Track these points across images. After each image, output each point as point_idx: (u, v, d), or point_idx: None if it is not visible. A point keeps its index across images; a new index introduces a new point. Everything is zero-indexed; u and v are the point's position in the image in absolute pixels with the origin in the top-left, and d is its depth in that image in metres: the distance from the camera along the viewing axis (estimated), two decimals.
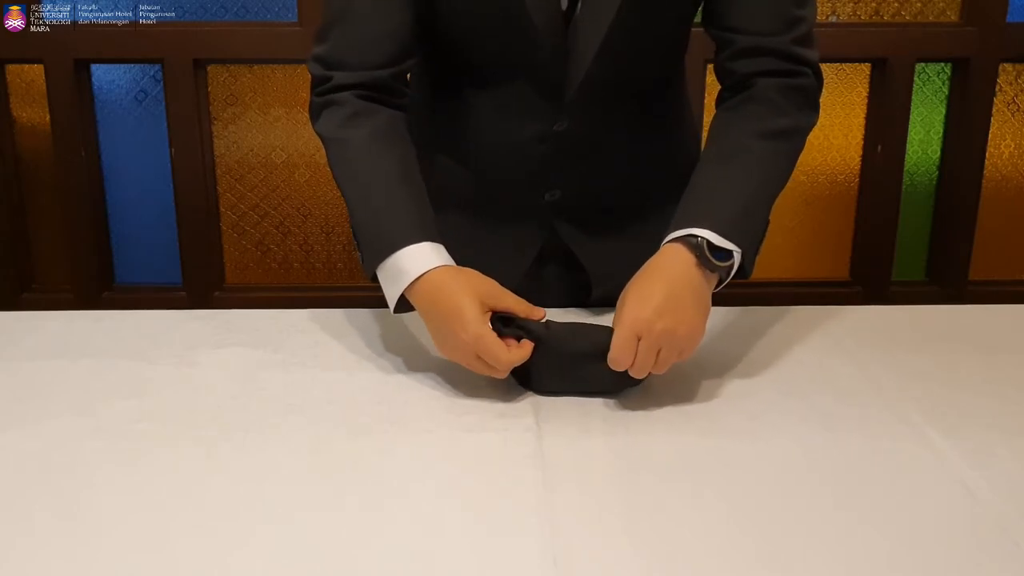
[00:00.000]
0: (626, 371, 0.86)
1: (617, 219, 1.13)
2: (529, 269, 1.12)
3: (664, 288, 0.86)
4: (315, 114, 1.02)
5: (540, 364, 0.88)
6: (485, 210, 1.08)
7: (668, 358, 0.85)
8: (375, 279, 0.94)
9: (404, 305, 0.92)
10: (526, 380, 0.90)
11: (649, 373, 0.86)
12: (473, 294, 0.87)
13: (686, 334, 0.85)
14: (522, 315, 0.89)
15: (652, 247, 0.92)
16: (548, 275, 1.07)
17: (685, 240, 0.89)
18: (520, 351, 0.87)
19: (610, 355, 0.84)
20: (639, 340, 0.84)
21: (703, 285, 0.88)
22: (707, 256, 0.88)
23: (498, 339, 0.86)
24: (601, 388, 0.89)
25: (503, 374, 0.87)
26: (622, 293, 0.88)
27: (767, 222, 0.97)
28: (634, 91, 1.07)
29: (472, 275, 0.89)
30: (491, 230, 1.09)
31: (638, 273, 0.89)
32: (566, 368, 0.89)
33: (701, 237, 0.89)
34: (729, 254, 0.90)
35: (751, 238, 0.93)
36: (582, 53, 0.99)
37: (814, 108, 1.01)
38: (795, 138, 1.00)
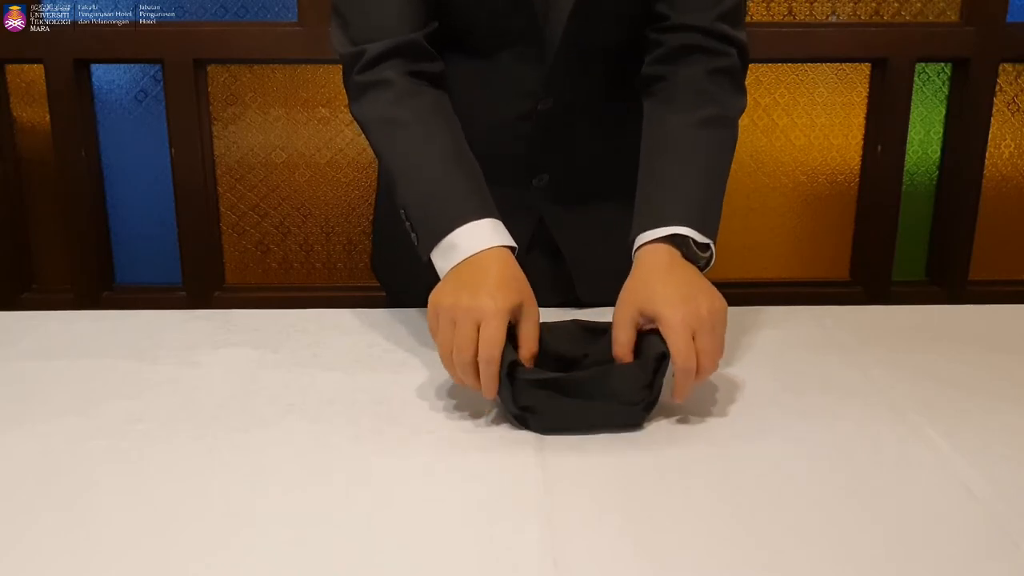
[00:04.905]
0: (634, 405, 0.83)
1: (605, 206, 1.13)
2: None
3: (675, 277, 0.86)
4: (357, 95, 1.00)
5: (547, 405, 0.83)
6: None
7: (722, 335, 0.85)
8: (429, 262, 0.92)
9: None
10: (527, 422, 0.84)
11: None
12: (519, 294, 0.85)
13: (722, 304, 0.85)
14: (526, 345, 0.85)
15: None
16: (534, 271, 1.07)
17: (668, 239, 0.90)
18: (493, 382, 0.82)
19: (677, 364, 0.81)
20: (694, 336, 0.82)
21: (694, 268, 0.89)
22: (693, 250, 0.89)
23: (503, 336, 0.81)
24: (608, 424, 0.84)
25: (468, 362, 0.81)
26: (625, 309, 0.86)
27: (721, 210, 0.97)
28: (617, 68, 1.07)
29: (523, 279, 0.87)
30: None
31: (633, 279, 0.88)
32: (574, 408, 0.83)
33: (687, 236, 0.89)
34: (706, 247, 0.91)
35: (716, 229, 0.93)
36: (560, 10, 1.00)
37: (740, 91, 1.03)
38: (727, 125, 1.00)
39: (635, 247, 0.92)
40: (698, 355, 0.82)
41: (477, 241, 0.88)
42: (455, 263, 0.88)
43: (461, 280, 0.85)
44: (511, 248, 0.90)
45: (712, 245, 0.92)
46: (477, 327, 0.81)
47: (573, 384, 0.82)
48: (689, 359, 0.81)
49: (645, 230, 0.91)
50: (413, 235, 0.93)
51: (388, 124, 0.97)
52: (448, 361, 0.84)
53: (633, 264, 0.91)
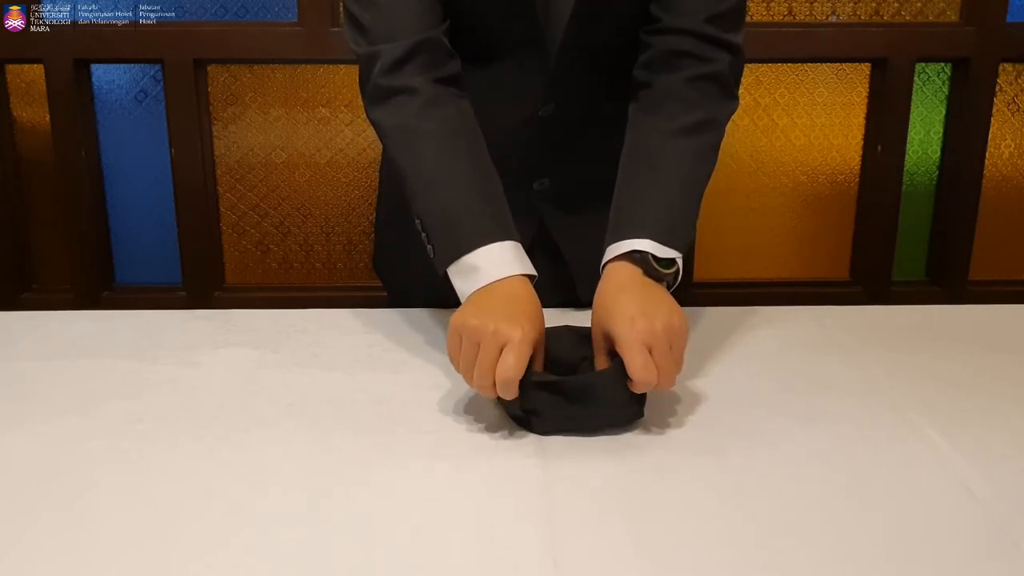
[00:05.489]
0: (630, 401, 0.83)
1: (606, 210, 1.13)
2: None
3: (633, 295, 0.86)
4: (379, 99, 0.98)
5: (550, 409, 0.83)
6: None
7: (681, 351, 0.84)
8: (445, 276, 0.92)
9: None
10: (529, 425, 0.84)
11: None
12: (540, 326, 0.85)
13: (680, 320, 0.84)
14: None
15: None
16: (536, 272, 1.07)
17: (629, 256, 0.89)
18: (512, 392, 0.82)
19: (634, 379, 0.81)
20: (651, 351, 0.81)
21: (658, 285, 0.89)
22: (653, 267, 0.89)
23: (525, 364, 0.81)
24: (609, 423, 0.84)
25: (489, 386, 0.81)
26: (595, 336, 0.87)
27: (696, 219, 0.97)
28: (618, 73, 1.07)
29: (543, 316, 0.87)
30: None
31: (597, 301, 0.88)
32: (577, 410, 0.83)
33: (645, 252, 0.89)
34: (673, 262, 0.90)
35: (685, 241, 0.93)
36: (560, 14, 1.00)
37: (729, 96, 1.01)
38: (711, 130, 0.99)
39: (603, 262, 0.92)
40: (658, 373, 0.81)
41: (500, 267, 0.88)
42: (478, 286, 0.87)
43: (488, 304, 0.85)
44: (531, 276, 0.89)
45: (678, 260, 0.91)
46: (500, 351, 0.81)
47: (578, 388, 0.82)
48: (647, 375, 0.81)
49: (611, 244, 0.92)
50: (429, 247, 0.93)
51: (411, 134, 0.95)
52: (468, 378, 0.83)
53: (600, 282, 0.91)
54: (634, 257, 0.89)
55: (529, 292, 0.87)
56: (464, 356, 0.83)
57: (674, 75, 0.98)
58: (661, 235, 0.90)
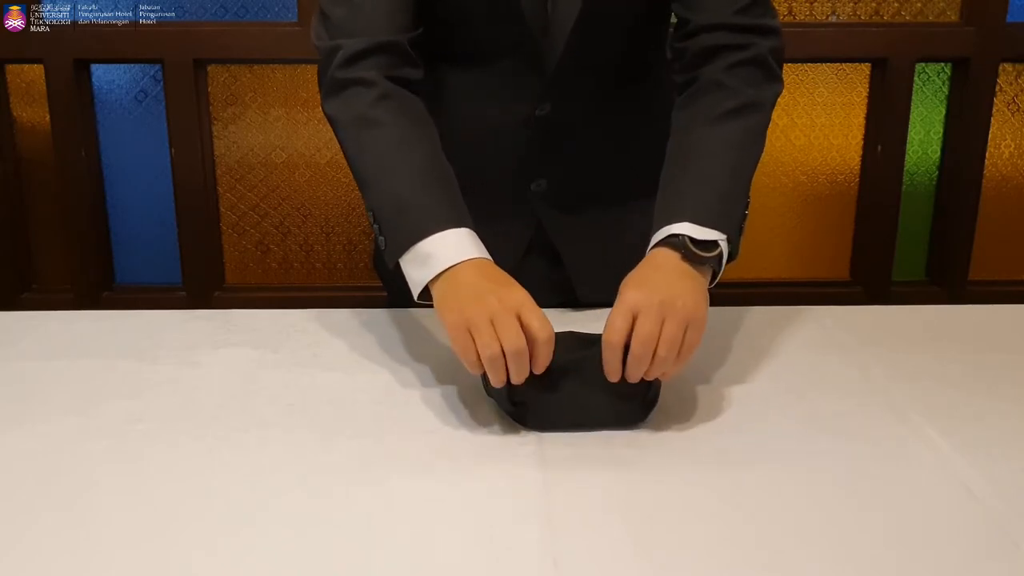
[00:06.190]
0: (630, 400, 0.83)
1: (603, 210, 1.13)
2: (514, 267, 1.11)
3: (657, 273, 0.85)
4: (333, 91, 0.97)
5: (542, 398, 0.83)
6: (472, 204, 1.08)
7: (675, 333, 0.81)
8: (396, 267, 0.90)
9: (426, 295, 0.88)
10: (523, 417, 0.84)
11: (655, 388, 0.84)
12: None
13: (685, 305, 0.82)
14: None
15: (635, 243, 0.91)
16: (533, 274, 1.06)
17: (667, 241, 0.88)
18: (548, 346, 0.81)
19: (604, 333, 0.80)
20: (635, 316, 0.80)
21: (696, 273, 0.87)
22: (692, 250, 0.87)
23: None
24: (605, 420, 0.84)
25: (524, 355, 0.79)
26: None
27: (746, 203, 0.95)
28: (616, 73, 1.07)
29: None
30: (478, 225, 1.09)
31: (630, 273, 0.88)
32: (569, 401, 0.84)
33: (682, 235, 0.87)
34: (715, 244, 0.88)
35: (732, 222, 0.91)
36: (562, 24, 1.00)
37: (772, 78, 0.99)
38: (753, 113, 0.97)
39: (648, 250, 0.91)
40: (632, 337, 0.80)
41: (456, 252, 0.86)
42: (435, 272, 0.86)
43: (466, 287, 0.83)
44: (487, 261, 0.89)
45: (721, 243, 0.88)
46: (517, 317, 0.80)
47: (567, 369, 0.83)
48: (614, 334, 0.80)
49: (652, 234, 0.91)
50: (381, 239, 0.92)
51: (364, 125, 0.95)
52: (492, 362, 0.80)
53: None
54: (672, 241, 0.88)
55: (492, 265, 0.86)
56: (482, 338, 0.80)
57: (711, 66, 0.97)
58: (699, 217, 0.88)
